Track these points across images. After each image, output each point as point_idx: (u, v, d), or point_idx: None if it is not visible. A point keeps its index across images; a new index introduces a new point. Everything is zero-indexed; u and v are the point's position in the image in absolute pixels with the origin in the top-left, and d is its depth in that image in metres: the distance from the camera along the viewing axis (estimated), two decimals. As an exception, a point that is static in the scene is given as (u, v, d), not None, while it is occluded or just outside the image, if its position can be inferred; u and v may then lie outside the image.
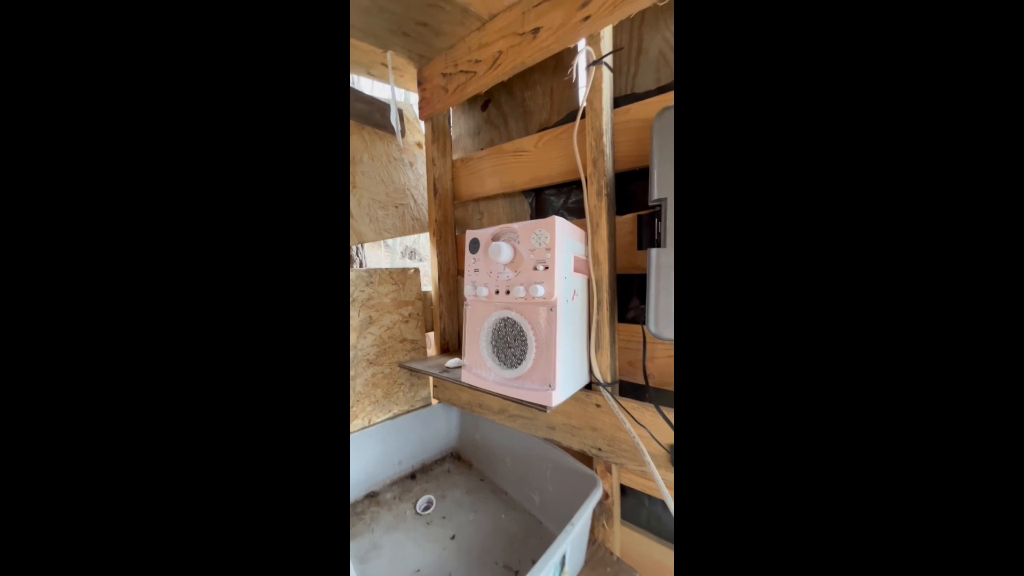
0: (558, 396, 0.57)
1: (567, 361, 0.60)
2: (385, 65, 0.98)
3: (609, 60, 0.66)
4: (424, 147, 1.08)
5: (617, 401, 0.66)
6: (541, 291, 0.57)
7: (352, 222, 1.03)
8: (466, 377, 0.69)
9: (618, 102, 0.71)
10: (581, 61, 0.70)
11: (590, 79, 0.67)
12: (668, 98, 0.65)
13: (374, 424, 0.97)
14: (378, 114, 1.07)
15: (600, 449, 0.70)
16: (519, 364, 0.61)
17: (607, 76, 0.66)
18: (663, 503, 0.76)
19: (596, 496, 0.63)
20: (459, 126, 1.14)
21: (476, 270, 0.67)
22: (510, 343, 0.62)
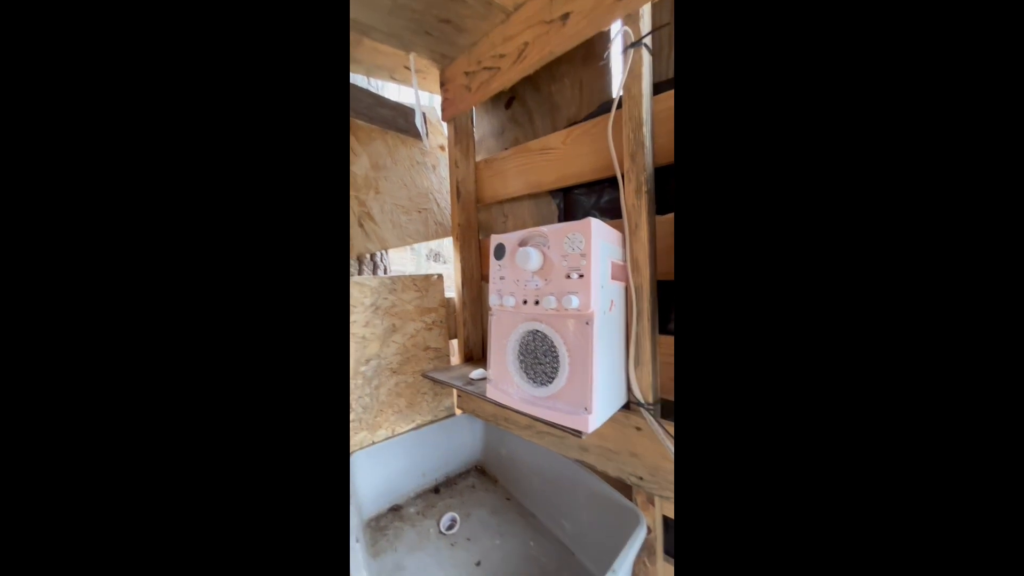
0: (595, 421, 0.51)
1: (604, 380, 0.54)
2: (408, 68, 0.96)
3: (649, 41, 0.58)
4: (447, 149, 1.05)
5: (661, 425, 0.58)
6: (576, 302, 0.51)
7: (375, 228, 1.01)
8: (491, 393, 0.64)
9: (656, 89, 0.63)
10: (616, 45, 0.63)
11: (627, 64, 0.60)
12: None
13: (398, 435, 0.95)
14: (401, 119, 1.05)
15: (641, 478, 0.63)
16: (550, 382, 0.55)
17: (647, 59, 0.59)
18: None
19: (640, 537, 0.55)
20: (482, 126, 1.10)
21: (502, 278, 0.62)
22: (540, 359, 0.57)
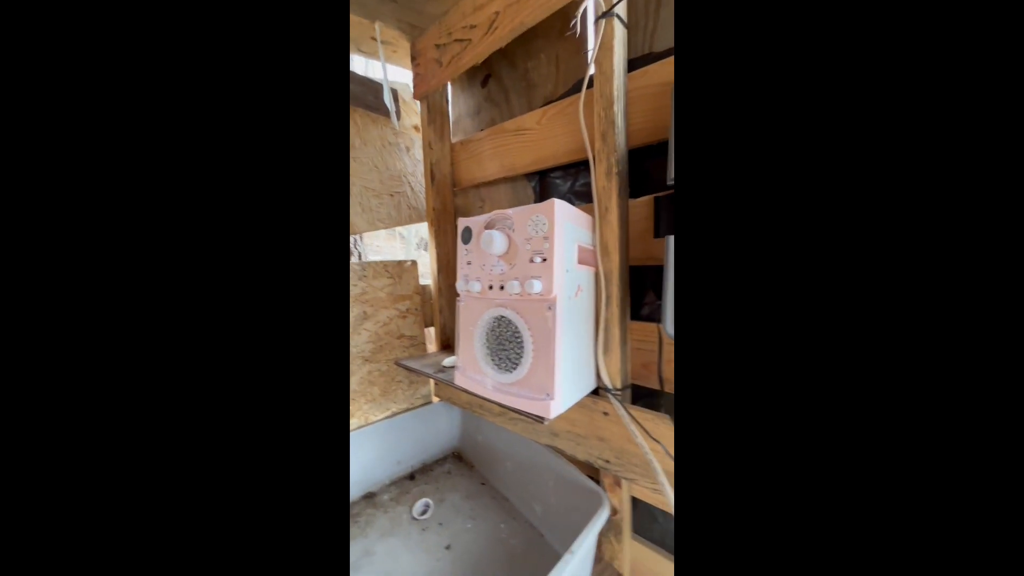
0: (557, 407, 0.50)
1: (569, 366, 0.53)
2: (375, 39, 0.90)
3: (622, 11, 0.55)
4: (420, 130, 1.01)
5: (627, 410, 0.58)
6: (538, 287, 0.49)
7: (345, 212, 0.97)
8: (459, 380, 0.62)
9: (633, 65, 0.60)
10: (589, 12, 0.59)
11: (599, 36, 0.57)
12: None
13: (372, 423, 0.94)
14: (371, 95, 1.00)
15: (608, 461, 0.63)
16: (515, 368, 0.54)
17: (619, 32, 0.56)
18: (679, 520, 0.69)
19: (601, 518, 0.56)
20: (458, 106, 1.06)
21: (468, 263, 0.60)
22: (505, 345, 0.55)
